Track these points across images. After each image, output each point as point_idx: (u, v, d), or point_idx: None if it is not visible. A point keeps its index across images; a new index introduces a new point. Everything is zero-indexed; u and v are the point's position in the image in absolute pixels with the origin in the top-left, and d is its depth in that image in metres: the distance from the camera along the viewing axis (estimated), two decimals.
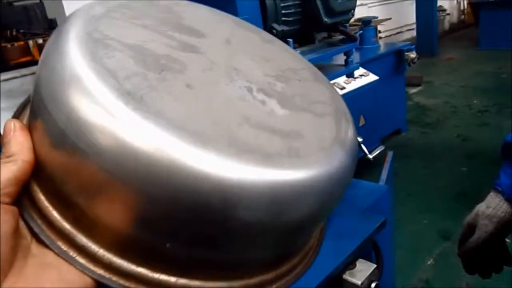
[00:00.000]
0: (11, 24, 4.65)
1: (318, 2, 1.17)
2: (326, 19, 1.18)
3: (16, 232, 0.32)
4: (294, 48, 1.16)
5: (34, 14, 5.13)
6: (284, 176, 0.29)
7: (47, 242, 0.32)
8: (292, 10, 1.19)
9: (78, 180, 0.31)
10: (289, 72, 0.43)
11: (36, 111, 0.33)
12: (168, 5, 0.44)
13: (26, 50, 3.95)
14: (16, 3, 5.48)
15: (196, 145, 0.28)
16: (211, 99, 0.34)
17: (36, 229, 0.33)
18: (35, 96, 0.33)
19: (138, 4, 0.41)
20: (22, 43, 3.98)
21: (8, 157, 0.35)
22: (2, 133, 0.37)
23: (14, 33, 4.32)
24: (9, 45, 3.97)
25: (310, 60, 1.20)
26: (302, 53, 1.21)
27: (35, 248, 0.33)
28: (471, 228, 0.96)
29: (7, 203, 0.33)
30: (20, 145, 0.35)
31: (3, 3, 5.17)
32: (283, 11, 1.18)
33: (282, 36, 1.18)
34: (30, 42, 3.94)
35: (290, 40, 1.14)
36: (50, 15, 5.36)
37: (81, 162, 0.30)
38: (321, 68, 1.36)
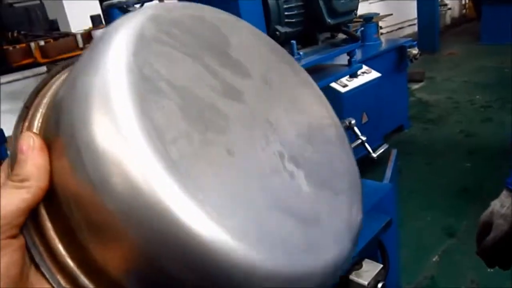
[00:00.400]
0: (12, 25, 4.65)
1: (321, 3, 1.16)
2: (329, 20, 1.18)
3: (22, 269, 0.31)
4: (298, 49, 1.16)
5: (35, 15, 5.14)
6: (300, 270, 0.34)
7: (47, 275, 0.32)
8: (295, 12, 1.18)
9: (92, 222, 0.30)
10: (317, 130, 0.46)
11: (62, 131, 0.32)
12: (217, 24, 0.43)
13: (28, 52, 3.95)
14: (16, 5, 5.49)
15: (229, 234, 0.30)
16: (248, 172, 0.36)
17: (37, 258, 0.32)
18: (65, 114, 0.32)
19: (189, 21, 0.40)
20: (24, 45, 3.98)
21: (21, 180, 0.32)
22: (14, 143, 0.35)
23: (15, 34, 4.33)
24: (11, 48, 3.97)
25: (314, 62, 1.20)
26: (306, 55, 1.21)
27: (33, 276, 0.32)
28: (487, 226, 1.00)
29: (14, 235, 0.31)
30: (37, 169, 0.32)
31: (3, 5, 5.18)
32: (285, 13, 1.18)
33: (285, 38, 1.19)
34: (32, 44, 3.93)
35: (293, 42, 1.14)
36: (51, 16, 5.37)
37: (105, 213, 0.29)
38: (324, 68, 1.36)
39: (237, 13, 1.13)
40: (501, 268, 1.04)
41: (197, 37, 0.40)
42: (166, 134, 0.31)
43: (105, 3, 1.22)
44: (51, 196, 0.32)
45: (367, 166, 3.03)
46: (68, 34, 4.23)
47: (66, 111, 0.31)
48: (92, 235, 0.31)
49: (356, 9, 1.28)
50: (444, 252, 2.57)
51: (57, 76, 0.40)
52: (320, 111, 0.48)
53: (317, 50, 1.27)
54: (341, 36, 1.38)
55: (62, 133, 0.32)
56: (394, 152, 1.78)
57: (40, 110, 0.37)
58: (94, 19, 4.12)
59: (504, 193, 0.99)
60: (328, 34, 1.37)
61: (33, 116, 0.37)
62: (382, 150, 1.72)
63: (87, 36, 4.08)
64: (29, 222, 0.32)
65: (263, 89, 0.43)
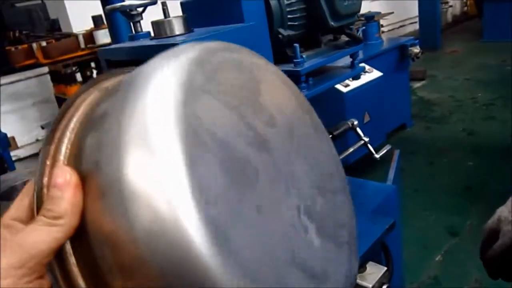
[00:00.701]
0: (14, 25, 4.66)
1: (324, 6, 1.16)
2: (332, 23, 1.18)
3: None
4: (301, 52, 1.16)
5: (36, 15, 5.15)
6: None
7: None
8: (298, 15, 1.18)
9: (126, 268, 0.30)
10: (327, 181, 0.50)
11: (103, 173, 0.31)
12: (251, 69, 0.45)
13: (30, 53, 3.95)
14: (18, 4, 5.49)
15: None
16: (272, 230, 0.38)
17: None
18: (108, 157, 0.31)
19: (229, 66, 0.42)
20: (26, 46, 3.99)
21: (55, 218, 0.31)
22: (40, 169, 0.34)
23: (17, 34, 4.33)
24: (13, 48, 3.98)
25: (317, 65, 1.20)
26: (309, 57, 1.21)
27: None
28: (494, 233, 0.96)
29: (42, 275, 0.30)
30: (71, 207, 0.31)
31: (5, 4, 5.18)
32: (288, 16, 1.17)
33: (288, 41, 1.18)
34: (34, 45, 3.94)
35: (297, 45, 1.14)
36: (52, 16, 5.38)
37: (142, 265, 0.30)
38: (327, 70, 1.36)
39: (240, 16, 1.12)
40: (504, 279, 1.00)
41: (235, 84, 0.41)
42: (209, 191, 0.32)
43: (107, 7, 1.22)
44: (79, 232, 0.32)
45: (369, 165, 3.02)
46: (70, 35, 4.23)
47: (110, 154, 0.31)
48: (123, 279, 0.31)
49: (359, 11, 1.28)
50: (447, 251, 2.57)
51: (82, 96, 0.40)
52: (330, 160, 0.52)
53: (320, 53, 1.27)
54: (344, 38, 1.37)
55: (103, 175, 0.31)
56: (396, 152, 1.77)
57: (68, 134, 0.37)
58: (96, 19, 4.12)
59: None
60: (330, 36, 1.37)
61: (60, 140, 0.37)
62: (385, 151, 1.72)
63: (89, 37, 4.08)
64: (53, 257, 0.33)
65: (287, 139, 0.45)
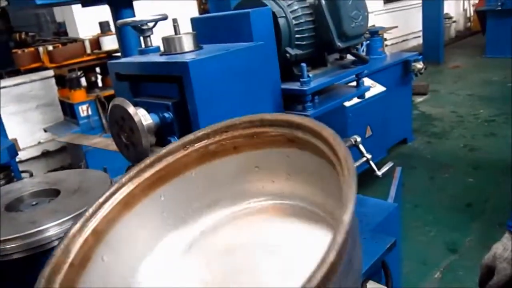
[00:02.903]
0: (21, 27, 4.70)
1: (332, 28, 1.18)
2: (339, 44, 1.20)
3: None
4: (307, 71, 1.18)
5: (44, 17, 5.20)
6: None
7: None
8: (306, 35, 1.20)
9: None
10: None
11: None
12: None
13: (36, 57, 3.98)
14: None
15: None
16: None
17: None
18: None
19: None
20: (32, 49, 4.01)
21: None
22: None
23: (23, 36, 4.35)
24: (19, 51, 4.00)
25: (323, 85, 1.22)
26: (315, 76, 1.23)
27: None
28: (490, 270, 0.98)
29: None
30: None
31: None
32: (296, 35, 1.19)
33: (295, 60, 1.20)
34: (41, 49, 3.97)
35: (304, 64, 1.16)
36: (58, 19, 5.42)
37: None
38: (333, 89, 1.38)
39: (249, 35, 1.14)
40: None
41: None
42: None
43: (119, 21, 1.24)
44: None
45: (369, 179, 3.01)
46: (76, 40, 4.26)
47: None
48: None
49: (365, 32, 1.30)
50: (447, 268, 2.57)
51: None
52: None
53: (326, 72, 1.29)
54: (350, 57, 1.39)
55: None
56: (398, 170, 1.78)
57: None
58: (102, 25, 4.16)
59: (506, 236, 0.96)
60: (336, 55, 1.39)
61: None
62: (387, 168, 1.73)
63: (95, 42, 4.11)
64: None
65: None
